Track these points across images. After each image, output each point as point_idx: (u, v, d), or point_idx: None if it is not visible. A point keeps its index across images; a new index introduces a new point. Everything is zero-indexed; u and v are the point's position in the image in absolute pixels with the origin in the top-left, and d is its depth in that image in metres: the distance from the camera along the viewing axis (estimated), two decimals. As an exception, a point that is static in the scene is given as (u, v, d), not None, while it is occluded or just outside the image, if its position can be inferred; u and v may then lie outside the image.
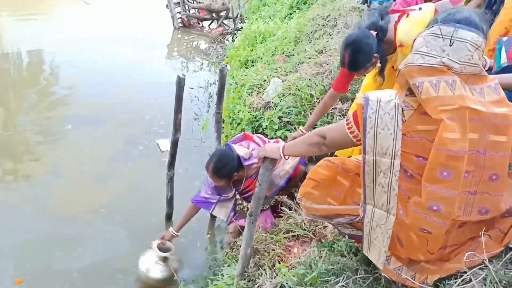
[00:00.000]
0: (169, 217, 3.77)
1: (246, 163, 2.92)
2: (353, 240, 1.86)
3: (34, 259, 3.29)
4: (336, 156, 2.60)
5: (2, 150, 4.81)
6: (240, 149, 2.94)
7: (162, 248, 3.05)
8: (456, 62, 1.42)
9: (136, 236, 3.57)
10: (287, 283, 1.95)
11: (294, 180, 3.16)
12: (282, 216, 2.95)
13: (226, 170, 2.87)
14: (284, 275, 2.03)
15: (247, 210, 3.26)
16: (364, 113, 1.51)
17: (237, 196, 3.18)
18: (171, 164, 3.55)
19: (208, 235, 3.64)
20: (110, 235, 3.60)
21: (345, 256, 1.86)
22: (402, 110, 1.49)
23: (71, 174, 4.39)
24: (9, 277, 3.12)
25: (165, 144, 4.81)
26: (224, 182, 2.94)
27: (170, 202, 3.71)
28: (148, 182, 4.28)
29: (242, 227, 3.33)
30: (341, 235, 2.03)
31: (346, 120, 1.64)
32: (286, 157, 1.97)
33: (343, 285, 1.78)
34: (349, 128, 1.63)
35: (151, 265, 3.03)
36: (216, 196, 3.07)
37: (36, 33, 8.61)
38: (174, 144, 3.42)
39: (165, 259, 3.04)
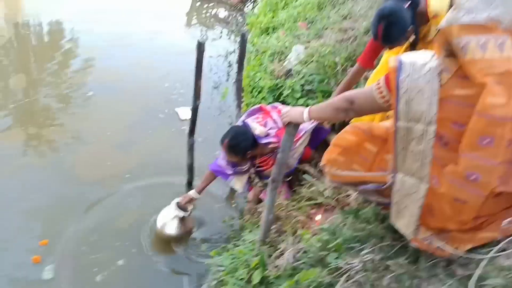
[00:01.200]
0: (189, 184, 3.79)
1: (261, 141, 2.87)
2: (380, 207, 1.81)
3: (58, 222, 3.36)
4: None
5: (25, 116, 4.87)
6: (256, 127, 2.89)
7: (181, 207, 3.12)
8: (507, 16, 1.30)
9: (158, 202, 3.59)
10: (310, 249, 1.93)
11: (305, 163, 3.10)
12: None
13: (241, 147, 2.85)
14: (307, 241, 2.00)
15: (260, 185, 3.29)
16: (397, 77, 1.42)
17: (251, 170, 3.16)
18: (192, 131, 3.52)
19: (234, 204, 3.64)
20: (132, 200, 3.65)
21: (371, 223, 1.81)
22: (439, 73, 1.40)
23: (94, 140, 4.43)
24: (34, 237, 3.20)
25: (185, 113, 4.78)
26: (238, 159, 2.94)
27: (190, 169, 3.71)
28: (169, 150, 4.29)
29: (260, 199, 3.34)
30: (366, 202, 1.98)
31: (377, 85, 1.55)
32: (312, 121, 1.90)
33: (368, 252, 1.74)
34: (379, 93, 1.54)
35: (167, 220, 3.12)
36: (231, 168, 3.06)
37: (54, 3, 8.57)
38: (195, 111, 3.38)
39: (182, 218, 3.11)
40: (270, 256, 2.18)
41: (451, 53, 1.38)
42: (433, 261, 1.63)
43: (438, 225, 1.54)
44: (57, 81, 5.65)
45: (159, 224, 3.15)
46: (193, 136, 3.56)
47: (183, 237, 3.18)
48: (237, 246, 2.54)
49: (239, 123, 3.03)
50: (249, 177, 3.17)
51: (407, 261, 1.67)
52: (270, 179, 2.18)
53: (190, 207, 3.16)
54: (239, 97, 3.57)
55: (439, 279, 1.57)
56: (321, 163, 1.98)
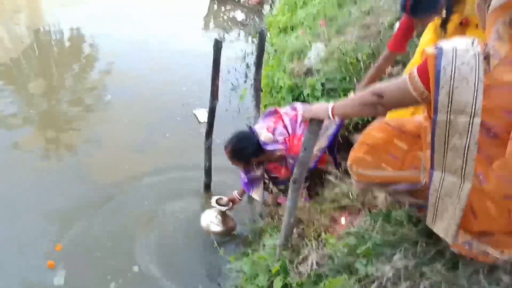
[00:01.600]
0: (207, 186, 3.69)
1: (267, 148, 2.75)
2: (415, 209, 1.66)
3: (75, 224, 3.33)
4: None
5: (44, 120, 4.88)
6: (263, 133, 2.77)
7: (220, 204, 3.14)
8: None
9: (176, 205, 3.53)
10: (335, 255, 1.79)
11: (320, 170, 2.96)
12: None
13: (244, 154, 2.76)
14: (332, 246, 1.87)
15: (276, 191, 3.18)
16: (437, 65, 1.27)
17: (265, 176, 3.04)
18: (209, 133, 3.42)
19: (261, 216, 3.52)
20: (150, 203, 3.58)
21: (404, 226, 1.66)
22: (486, 59, 1.25)
23: (111, 143, 4.40)
24: (51, 241, 3.16)
25: (203, 115, 4.70)
26: (241, 165, 2.86)
27: (208, 172, 3.61)
28: (187, 152, 4.21)
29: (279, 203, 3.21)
30: (397, 204, 1.83)
31: (410, 76, 1.41)
32: (336, 118, 1.77)
33: (400, 258, 1.60)
34: (413, 84, 1.40)
35: (211, 219, 3.17)
36: (245, 176, 2.97)
37: (74, 9, 8.66)
38: (212, 112, 3.28)
39: (223, 213, 3.15)
40: (292, 262, 2.05)
41: (501, 35, 1.24)
42: (474, 267, 1.47)
43: (481, 228, 1.39)
44: (77, 86, 5.66)
45: (204, 224, 3.19)
46: (211, 138, 3.46)
47: (226, 235, 3.20)
48: (257, 251, 2.42)
49: (256, 126, 2.92)
50: (264, 183, 3.06)
51: (445, 268, 1.52)
52: (291, 180, 2.05)
53: (230, 204, 3.16)
54: (257, 98, 3.45)
55: (481, 287, 1.41)
56: (347, 163, 1.85)
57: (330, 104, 1.73)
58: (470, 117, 1.24)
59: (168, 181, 3.82)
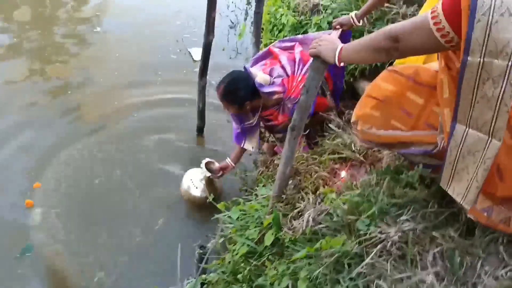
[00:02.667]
0: (200, 130, 3.48)
1: (264, 90, 2.47)
2: (429, 170, 1.45)
3: (57, 160, 3.20)
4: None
5: (33, 52, 4.59)
6: (260, 75, 2.48)
7: (210, 169, 2.84)
8: None
9: (166, 146, 3.37)
10: (335, 212, 1.61)
11: (319, 116, 2.69)
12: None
13: (237, 96, 2.48)
14: (331, 202, 1.68)
15: (272, 140, 2.94)
16: None
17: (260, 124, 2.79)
18: (203, 72, 3.15)
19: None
20: (139, 142, 3.42)
21: (415, 189, 1.46)
22: None
23: (101, 79, 4.17)
24: (31, 179, 3.01)
25: (198, 53, 4.37)
26: (234, 110, 2.57)
27: (201, 114, 3.38)
28: (180, 92, 3.97)
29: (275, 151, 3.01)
30: (409, 163, 1.62)
31: (431, 13, 1.13)
32: (341, 64, 1.51)
33: (407, 219, 1.42)
34: (436, 23, 1.12)
35: (195, 182, 2.90)
36: (239, 125, 2.71)
37: None
38: (207, 48, 2.99)
39: (210, 180, 2.86)
40: (285, 215, 1.88)
41: None
42: (492, 235, 1.29)
43: (507, 193, 1.19)
44: (70, 18, 5.28)
45: (184, 185, 2.92)
46: (205, 77, 3.19)
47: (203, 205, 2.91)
48: (249, 201, 2.25)
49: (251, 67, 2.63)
50: (260, 132, 2.82)
51: (458, 233, 1.34)
52: (289, 126, 1.83)
53: (219, 172, 2.87)
54: (257, 34, 3.14)
55: (499, 259, 1.24)
56: (352, 120, 1.61)
57: (339, 46, 1.46)
58: (509, 60, 1.00)
59: (158, 122, 3.65)
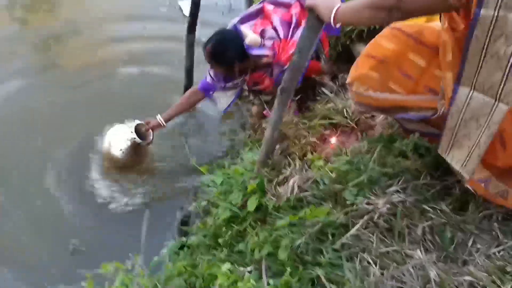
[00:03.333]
0: (187, 89, 3.31)
1: (252, 53, 2.33)
2: (425, 139, 1.36)
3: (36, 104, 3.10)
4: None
5: None
6: (250, 35, 2.33)
7: (140, 133, 2.56)
8: None
9: (149, 104, 3.21)
10: (322, 180, 1.53)
11: (311, 80, 2.56)
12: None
13: (225, 57, 2.34)
14: (319, 169, 1.60)
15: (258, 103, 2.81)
16: None
17: (245, 87, 2.65)
18: (192, 27, 2.97)
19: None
20: (121, 97, 3.30)
21: (408, 158, 1.37)
22: None
23: (87, 30, 3.99)
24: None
25: (188, 7, 4.16)
26: (221, 70, 2.45)
27: (189, 73, 3.21)
28: (168, 48, 3.77)
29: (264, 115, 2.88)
30: (403, 131, 1.53)
31: None
32: (337, 25, 1.37)
33: (397, 190, 1.34)
34: None
35: (118, 140, 2.56)
36: (221, 83, 2.56)
37: None
38: (196, 1, 2.79)
39: (135, 145, 2.55)
40: (271, 181, 1.80)
41: None
42: (486, 211, 1.23)
43: (509, 163, 1.11)
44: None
45: (105, 142, 2.60)
46: (194, 33, 3.01)
47: (129, 167, 2.67)
48: (234, 164, 2.16)
49: (230, 26, 2.46)
50: (238, 94, 2.67)
51: (451, 208, 1.27)
52: (279, 88, 1.71)
53: (150, 137, 2.59)
54: (251, -11, 2.95)
55: (492, 236, 1.18)
56: (347, 80, 1.50)
57: (337, 4, 1.32)
58: None
59: (144, 76, 3.52)
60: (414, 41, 1.39)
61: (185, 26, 3.06)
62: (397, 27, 1.43)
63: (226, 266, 1.36)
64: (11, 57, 3.57)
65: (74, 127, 2.99)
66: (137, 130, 2.55)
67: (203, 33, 3.22)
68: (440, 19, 1.27)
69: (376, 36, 1.47)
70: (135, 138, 2.50)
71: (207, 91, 2.61)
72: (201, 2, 2.90)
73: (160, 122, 2.60)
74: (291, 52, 2.31)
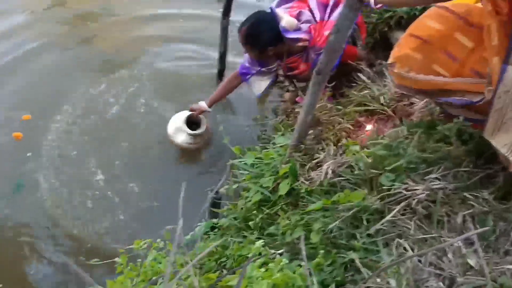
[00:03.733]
0: (220, 74, 3.32)
1: (288, 36, 2.28)
2: (468, 123, 1.31)
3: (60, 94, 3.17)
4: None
5: None
6: (286, 18, 2.28)
7: (193, 121, 2.70)
8: None
9: (183, 88, 3.25)
10: (357, 165, 1.50)
11: (347, 67, 2.49)
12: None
13: (260, 40, 2.32)
14: (354, 154, 1.57)
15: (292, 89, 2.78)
16: None
17: (280, 72, 2.62)
18: (227, 11, 2.95)
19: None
20: (153, 82, 3.33)
21: (450, 144, 1.32)
22: None
23: (122, 12, 4.07)
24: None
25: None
26: (255, 54, 2.43)
27: (222, 57, 3.22)
28: (202, 32, 3.79)
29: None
30: (445, 117, 1.47)
31: None
32: (377, 5, 1.33)
33: (437, 177, 1.30)
34: None
35: (184, 137, 2.73)
36: (257, 67, 2.54)
37: None
38: (232, -16, 2.78)
39: (194, 135, 2.71)
40: (303, 166, 1.78)
41: None
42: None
43: None
44: None
45: (170, 129, 2.75)
46: (228, 17, 2.99)
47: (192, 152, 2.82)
48: (266, 149, 2.15)
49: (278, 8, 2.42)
50: (273, 80, 2.66)
51: (493, 197, 1.22)
52: (314, 70, 1.68)
53: (204, 123, 2.71)
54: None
55: (538, 228, 1.12)
56: (389, 60, 1.45)
57: None
58: None
59: (178, 60, 3.54)
60: (462, 21, 1.33)
61: (220, 10, 3.06)
62: (444, 6, 1.37)
63: (259, 244, 1.35)
64: (48, 34, 3.74)
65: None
66: (190, 120, 2.68)
67: (237, 16, 3.23)
68: (481, 1, 1.22)
69: (421, 16, 1.42)
70: (187, 131, 2.65)
71: (244, 75, 2.61)
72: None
73: (205, 108, 2.68)
74: (326, 33, 2.26)
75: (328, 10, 2.34)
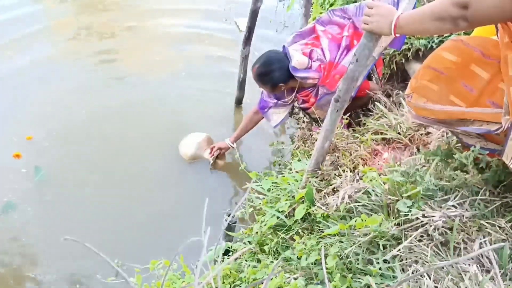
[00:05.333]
0: (239, 101, 3.41)
1: (297, 74, 2.38)
2: (485, 152, 1.32)
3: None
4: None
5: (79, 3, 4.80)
6: (297, 56, 2.38)
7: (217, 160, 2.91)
8: None
9: (200, 114, 3.33)
10: (373, 191, 1.51)
11: (360, 101, 2.55)
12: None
13: (271, 78, 2.44)
14: (371, 180, 1.58)
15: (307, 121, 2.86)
16: None
17: (296, 104, 2.71)
18: (248, 40, 3.06)
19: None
20: (172, 98, 3.46)
21: (466, 172, 1.34)
22: None
23: (146, 35, 4.28)
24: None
25: (245, 24, 4.29)
26: (268, 90, 2.55)
27: (241, 84, 3.31)
28: (222, 60, 3.92)
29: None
30: (462, 146, 1.48)
31: None
32: (397, 35, 1.38)
33: (454, 205, 1.30)
34: None
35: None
36: (274, 100, 2.64)
37: None
38: (254, 15, 2.89)
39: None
40: (319, 191, 1.80)
41: None
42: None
43: None
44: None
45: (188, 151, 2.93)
46: (249, 47, 3.10)
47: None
48: (282, 174, 2.18)
49: (291, 46, 2.52)
50: (290, 112, 2.75)
51: (510, 225, 1.22)
52: (333, 98, 1.73)
53: (224, 159, 2.91)
54: (307, 6, 3.00)
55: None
56: (406, 91, 1.49)
57: (394, 15, 1.33)
58: None
59: (197, 85, 3.64)
60: (479, 53, 1.37)
61: (240, 40, 3.17)
62: (460, 39, 1.41)
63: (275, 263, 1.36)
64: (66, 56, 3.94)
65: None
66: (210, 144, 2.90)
67: (256, 47, 3.34)
68: (497, 34, 1.25)
69: (437, 48, 1.46)
70: (208, 158, 2.84)
71: (262, 109, 2.71)
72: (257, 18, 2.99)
73: (229, 145, 2.83)
74: (336, 76, 2.36)
75: (340, 51, 2.43)
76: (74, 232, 2.44)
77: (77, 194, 2.68)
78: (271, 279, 1.31)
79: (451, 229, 1.24)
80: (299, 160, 2.27)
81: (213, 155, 2.83)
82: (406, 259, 1.22)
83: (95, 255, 0.87)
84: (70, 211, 2.58)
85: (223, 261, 2.03)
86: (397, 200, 1.37)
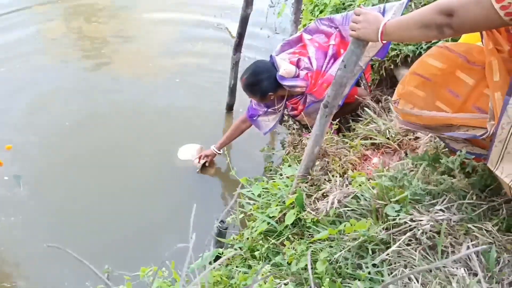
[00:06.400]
0: (230, 107, 3.41)
1: (284, 83, 2.41)
2: (472, 157, 1.34)
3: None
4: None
5: (70, 10, 4.77)
6: (284, 66, 2.41)
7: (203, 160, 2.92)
8: None
9: (191, 122, 3.32)
10: (362, 196, 1.52)
11: (349, 106, 2.58)
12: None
13: (259, 88, 2.47)
14: (360, 185, 1.59)
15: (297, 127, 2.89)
16: None
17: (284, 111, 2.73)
18: (238, 46, 3.07)
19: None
20: (161, 109, 3.44)
21: (453, 176, 1.35)
22: None
23: (139, 42, 4.28)
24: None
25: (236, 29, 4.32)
26: (257, 99, 2.58)
27: (232, 91, 3.31)
28: (215, 65, 3.93)
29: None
30: (449, 151, 1.50)
31: None
32: (384, 41, 1.40)
33: (441, 209, 1.31)
34: None
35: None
36: (264, 108, 2.66)
37: None
38: (244, 21, 2.91)
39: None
40: (309, 196, 1.81)
41: None
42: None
43: None
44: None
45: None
46: (239, 53, 3.12)
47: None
48: (273, 179, 2.19)
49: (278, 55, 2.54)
50: (279, 119, 2.76)
51: (497, 228, 1.23)
52: (322, 104, 1.74)
53: (213, 166, 2.94)
54: (297, 13, 3.03)
55: (543, 260, 1.13)
56: (393, 97, 1.51)
57: (381, 23, 1.35)
58: None
59: (189, 92, 3.64)
60: (463, 59, 1.39)
61: (231, 45, 3.18)
62: (445, 46, 1.43)
63: (266, 268, 1.36)
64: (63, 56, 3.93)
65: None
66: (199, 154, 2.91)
67: (247, 53, 3.36)
68: (482, 40, 1.27)
69: (423, 55, 1.48)
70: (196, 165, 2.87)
71: (251, 117, 2.73)
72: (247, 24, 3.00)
73: (215, 151, 2.85)
74: (323, 85, 2.39)
75: (327, 59, 2.45)
76: (59, 241, 2.36)
77: (64, 202, 2.65)
78: (259, 285, 1.30)
79: (438, 233, 1.25)
80: (289, 166, 2.27)
81: (199, 162, 2.85)
82: (395, 263, 1.23)
83: (84, 264, 0.86)
84: (55, 220, 2.55)
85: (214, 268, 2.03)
86: (386, 205, 1.38)
